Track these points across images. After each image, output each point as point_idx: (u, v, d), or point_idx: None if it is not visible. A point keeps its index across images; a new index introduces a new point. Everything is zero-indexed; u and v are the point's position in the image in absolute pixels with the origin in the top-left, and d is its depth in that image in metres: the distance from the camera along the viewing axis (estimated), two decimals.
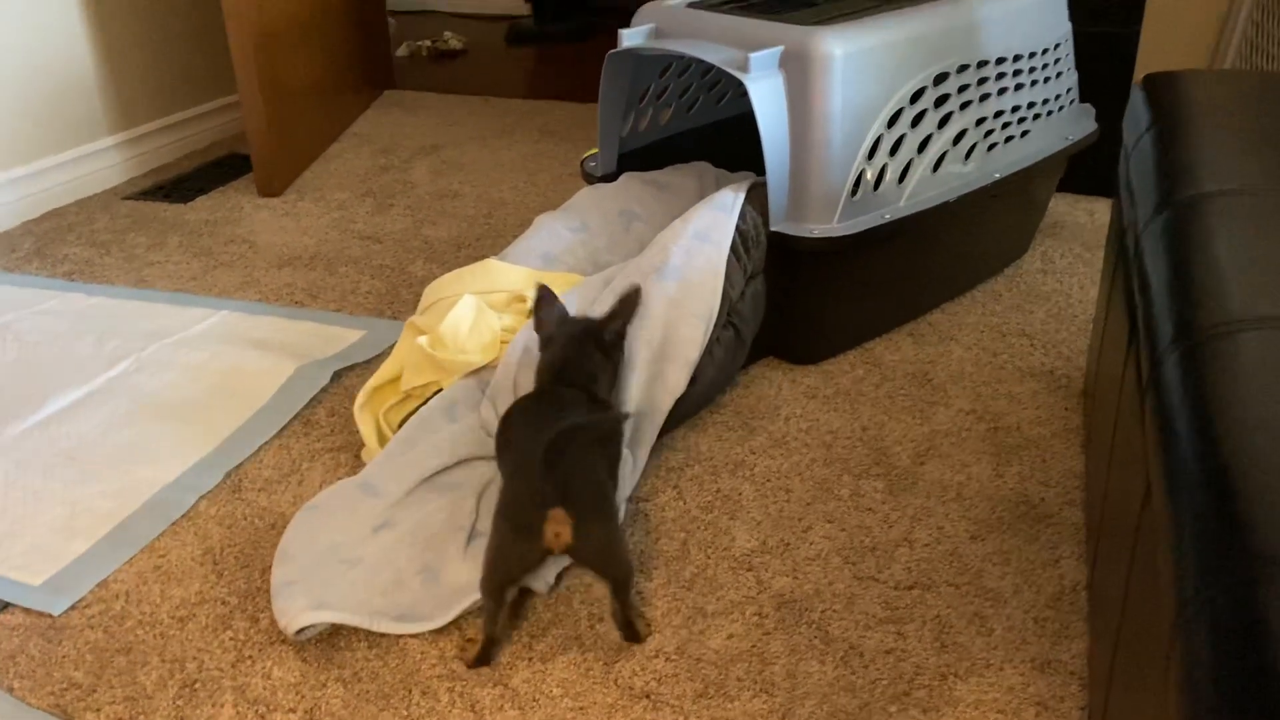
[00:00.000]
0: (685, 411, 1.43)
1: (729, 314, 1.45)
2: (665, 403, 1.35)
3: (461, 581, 1.15)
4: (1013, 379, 1.55)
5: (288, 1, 2.38)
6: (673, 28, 1.60)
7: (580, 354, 1.26)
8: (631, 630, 1.10)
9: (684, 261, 1.41)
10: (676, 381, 1.35)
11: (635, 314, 1.31)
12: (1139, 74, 2.17)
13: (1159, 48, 2.47)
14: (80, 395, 1.56)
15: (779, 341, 1.59)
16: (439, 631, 1.12)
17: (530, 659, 1.08)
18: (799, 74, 1.44)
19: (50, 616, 1.15)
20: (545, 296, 1.29)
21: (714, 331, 1.41)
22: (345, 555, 1.20)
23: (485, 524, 1.24)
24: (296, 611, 1.11)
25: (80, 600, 1.17)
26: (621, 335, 1.30)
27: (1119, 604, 0.87)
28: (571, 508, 1.03)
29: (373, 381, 1.41)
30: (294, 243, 2.09)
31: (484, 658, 1.08)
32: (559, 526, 1.03)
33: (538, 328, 1.29)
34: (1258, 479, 0.59)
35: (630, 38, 1.60)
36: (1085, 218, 2.08)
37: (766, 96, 1.44)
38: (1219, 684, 0.51)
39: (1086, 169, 2.04)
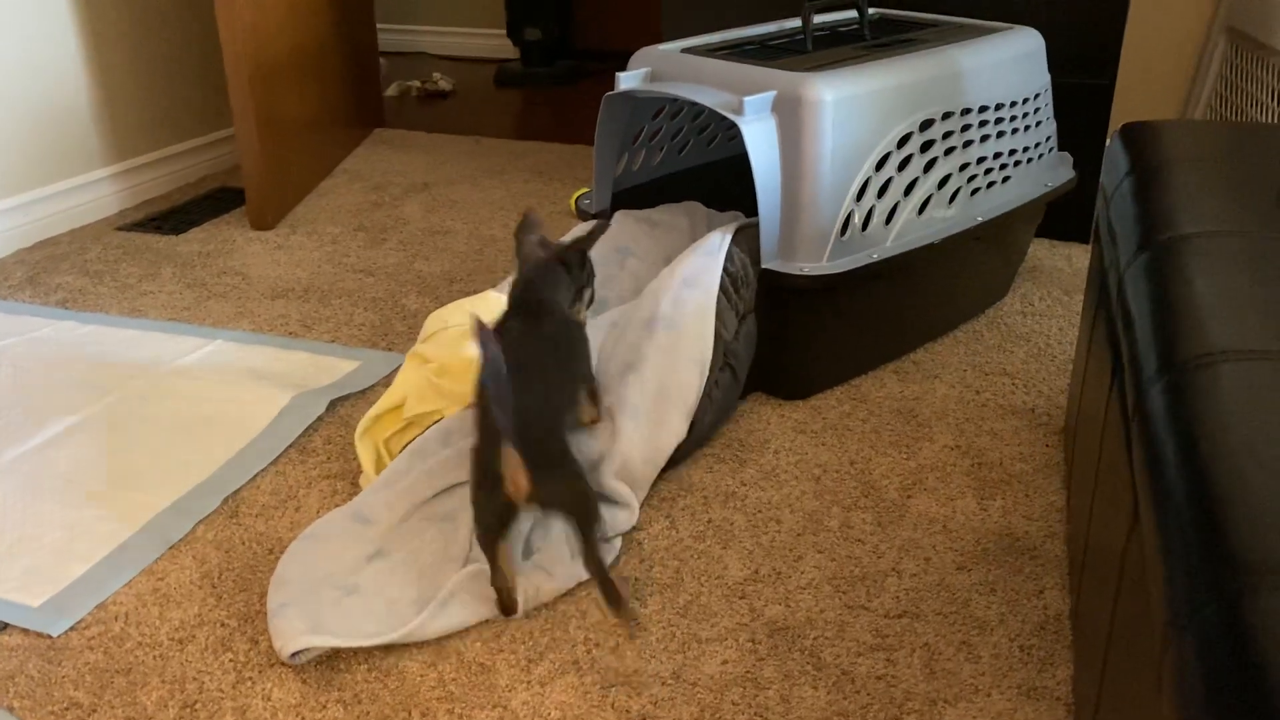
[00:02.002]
0: (684, 452, 1.45)
1: (725, 355, 1.48)
2: (668, 446, 1.38)
3: (456, 606, 1.17)
4: (995, 416, 1.59)
5: (284, 39, 2.43)
6: (668, 71, 1.65)
7: (546, 275, 1.34)
8: (608, 586, 1.14)
9: (673, 310, 1.44)
10: (678, 427, 1.39)
11: (596, 238, 1.38)
12: (1114, 125, 2.25)
13: (1133, 100, 2.56)
14: (76, 420, 1.57)
15: (768, 377, 1.63)
16: (438, 654, 1.13)
17: (529, 682, 1.10)
18: (791, 118, 1.49)
19: (49, 637, 1.16)
20: (531, 221, 1.38)
21: (711, 375, 1.44)
22: (340, 583, 1.21)
23: (478, 553, 1.26)
24: (294, 634, 1.13)
25: (79, 621, 1.18)
26: (584, 255, 1.37)
27: (1105, 630, 0.90)
28: (527, 456, 1.08)
29: (375, 410, 1.43)
30: (287, 275, 2.11)
31: (507, 607, 1.17)
32: (515, 473, 1.08)
33: (518, 250, 1.37)
34: (1241, 498, 0.62)
35: (627, 80, 1.65)
36: (1063, 263, 2.14)
37: (759, 139, 1.49)
38: (1209, 692, 0.54)
39: (1064, 216, 2.11)
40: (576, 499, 1.13)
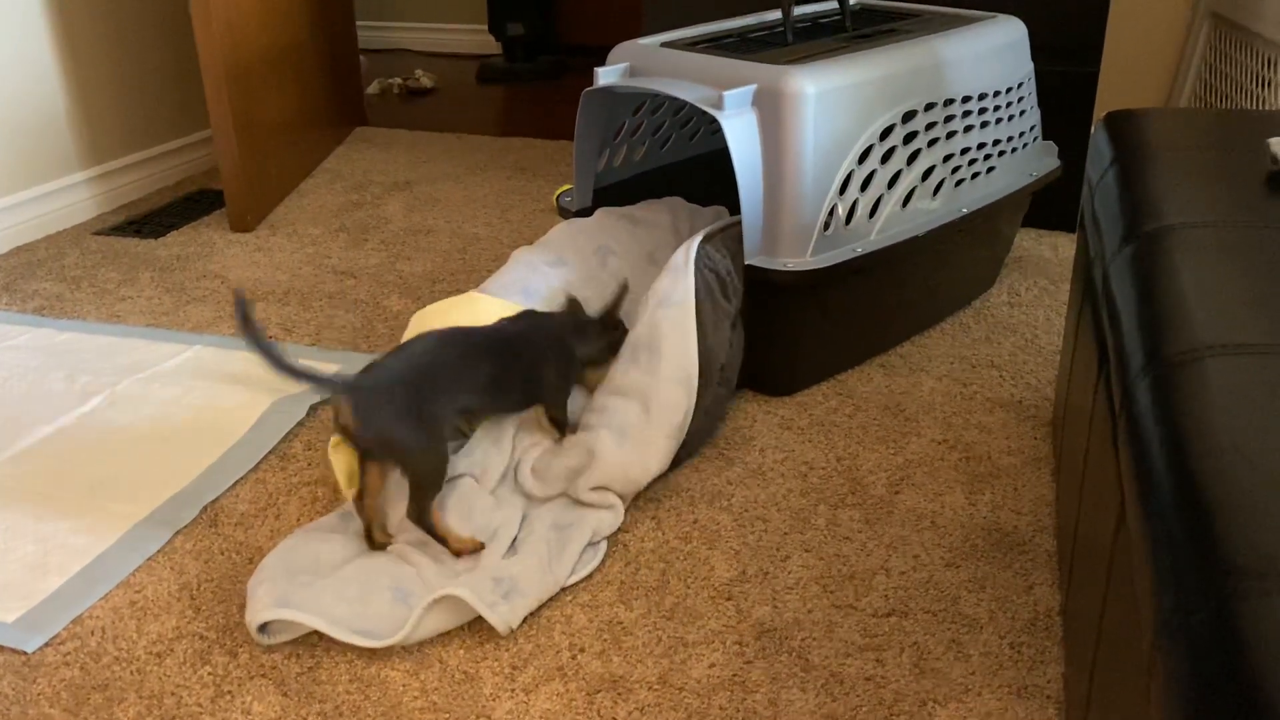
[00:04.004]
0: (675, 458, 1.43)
1: (722, 369, 1.46)
2: (652, 469, 1.34)
3: (431, 605, 1.14)
4: (982, 409, 1.58)
5: (261, 38, 2.40)
6: (647, 66, 1.63)
7: (570, 319, 1.46)
8: (441, 540, 1.23)
9: (650, 333, 1.41)
10: (663, 449, 1.34)
11: (621, 300, 1.48)
12: (1099, 112, 2.23)
13: (1117, 87, 2.55)
14: (52, 431, 1.54)
15: (754, 374, 1.61)
16: (420, 663, 1.12)
17: (513, 690, 1.08)
18: (772, 111, 1.47)
19: (24, 654, 1.14)
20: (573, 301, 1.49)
21: (710, 389, 1.42)
22: (316, 570, 1.21)
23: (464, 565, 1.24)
24: (260, 608, 1.14)
25: (55, 637, 1.16)
26: (616, 318, 1.48)
27: (1094, 627, 0.89)
28: (356, 396, 1.20)
29: None
30: (267, 278, 2.09)
31: (372, 540, 1.26)
32: (343, 405, 1.21)
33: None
34: (1229, 499, 0.61)
35: (606, 76, 1.63)
36: (1049, 252, 2.13)
37: (740, 133, 1.47)
38: (1200, 700, 0.53)
39: (1050, 204, 2.09)
40: (395, 442, 1.21)
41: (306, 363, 1.20)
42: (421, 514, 1.23)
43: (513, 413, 1.42)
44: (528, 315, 1.45)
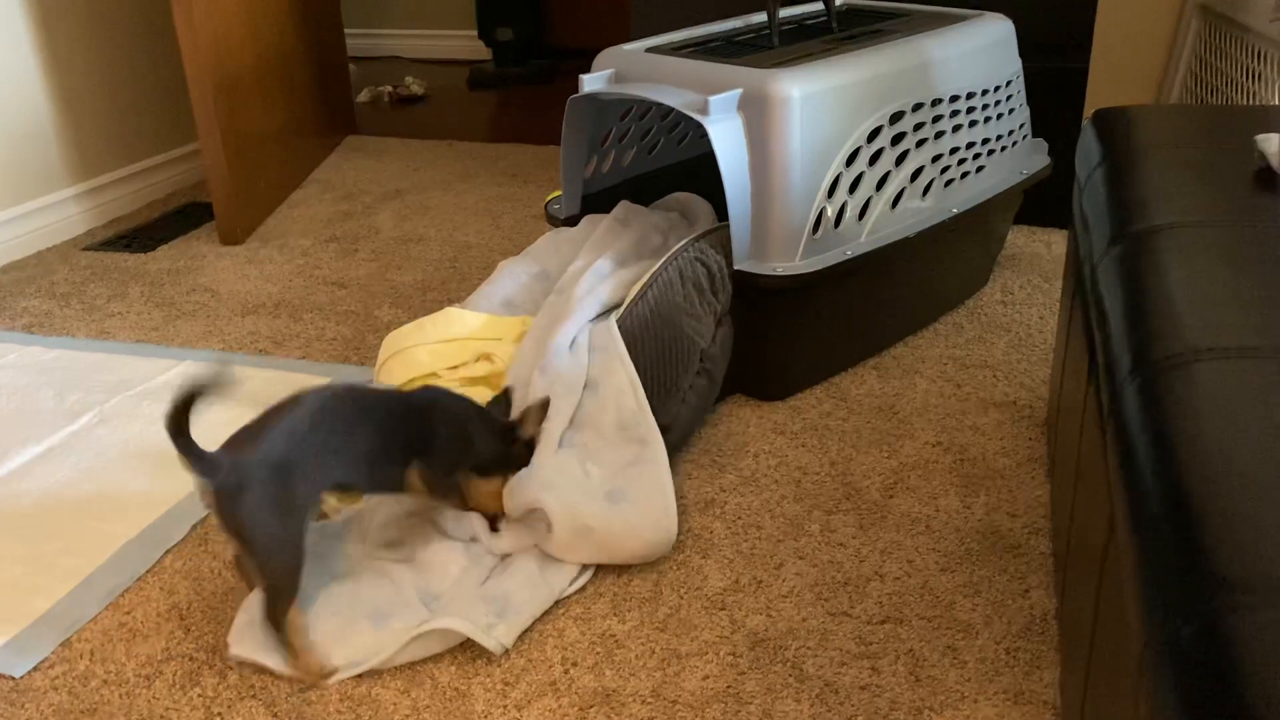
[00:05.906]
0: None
1: (701, 359, 1.45)
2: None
3: (412, 625, 1.14)
4: (977, 410, 1.57)
5: (248, 49, 2.39)
6: (632, 72, 1.62)
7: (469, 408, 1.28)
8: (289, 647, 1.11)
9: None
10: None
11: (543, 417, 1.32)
12: (1089, 109, 2.22)
13: (1107, 83, 2.54)
14: (41, 450, 1.53)
15: (746, 379, 1.60)
16: (411, 680, 1.11)
17: (505, 706, 1.07)
18: (758, 116, 1.46)
19: (12, 678, 1.13)
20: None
21: (687, 378, 1.42)
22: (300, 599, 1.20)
23: (441, 597, 1.22)
24: (238, 639, 1.14)
25: (43, 661, 1.15)
26: (522, 436, 1.30)
27: (1089, 633, 0.88)
28: (207, 469, 1.09)
29: None
30: (257, 290, 2.08)
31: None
32: (203, 485, 1.10)
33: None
34: (1218, 508, 0.60)
35: (591, 83, 1.62)
36: (1042, 249, 2.12)
37: (726, 138, 1.46)
38: (1188, 717, 0.52)
39: (1041, 201, 2.09)
40: (251, 537, 1.10)
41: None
42: (278, 620, 1.11)
43: (395, 491, 1.26)
44: (434, 389, 1.31)
